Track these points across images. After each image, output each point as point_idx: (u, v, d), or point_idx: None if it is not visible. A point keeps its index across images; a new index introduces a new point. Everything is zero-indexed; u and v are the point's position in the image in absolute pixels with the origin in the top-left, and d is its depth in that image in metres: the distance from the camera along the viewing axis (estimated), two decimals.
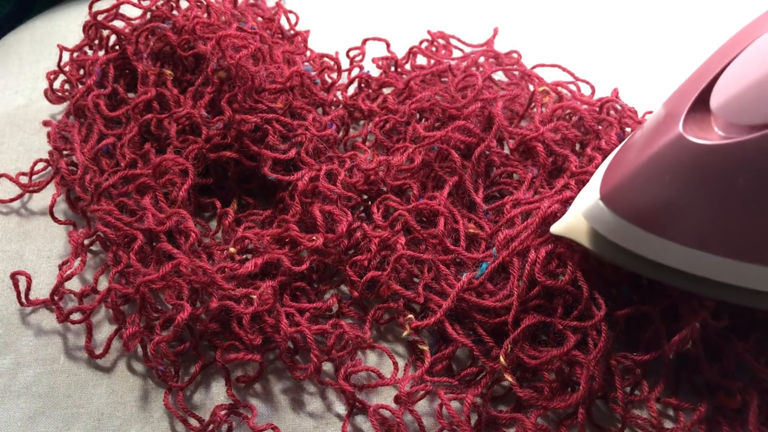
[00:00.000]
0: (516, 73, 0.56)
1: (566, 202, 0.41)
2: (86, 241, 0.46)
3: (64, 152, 0.50)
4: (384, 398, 0.41)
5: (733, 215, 0.34)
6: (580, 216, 0.39)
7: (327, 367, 0.42)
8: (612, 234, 0.38)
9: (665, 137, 0.35)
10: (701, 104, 0.35)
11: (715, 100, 0.34)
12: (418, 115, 0.51)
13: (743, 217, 0.33)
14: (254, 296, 0.40)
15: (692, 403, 0.40)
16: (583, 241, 0.39)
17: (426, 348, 0.42)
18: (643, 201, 0.36)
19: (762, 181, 0.32)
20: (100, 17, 0.52)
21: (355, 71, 0.56)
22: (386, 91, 0.56)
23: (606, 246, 0.38)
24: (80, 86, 0.51)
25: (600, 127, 0.49)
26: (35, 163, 0.50)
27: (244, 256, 0.44)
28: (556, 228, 0.40)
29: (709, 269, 0.36)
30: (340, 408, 0.41)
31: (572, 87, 0.55)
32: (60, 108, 0.55)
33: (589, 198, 0.38)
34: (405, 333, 0.42)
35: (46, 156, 0.51)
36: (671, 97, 0.38)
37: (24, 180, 0.50)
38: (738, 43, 0.35)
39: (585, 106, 0.50)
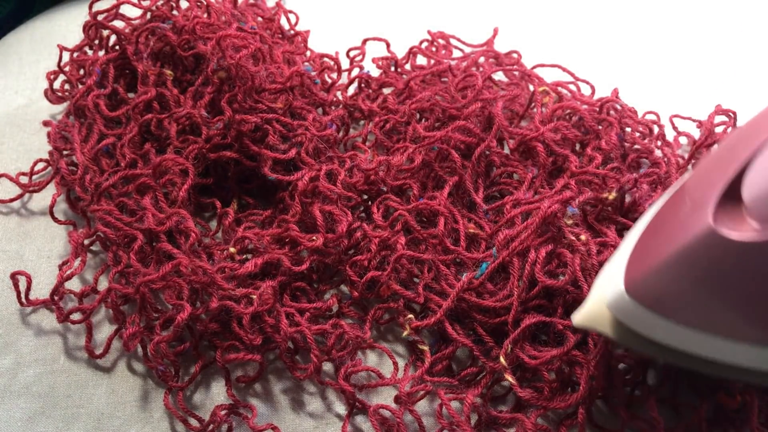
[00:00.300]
0: (516, 73, 0.56)
1: (566, 202, 0.41)
2: (86, 241, 0.46)
3: (64, 152, 0.50)
4: (384, 398, 0.41)
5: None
6: (603, 306, 0.37)
7: (327, 367, 0.42)
8: (640, 326, 0.35)
9: (695, 229, 0.32)
10: (732, 194, 0.32)
11: (748, 193, 0.31)
12: (418, 115, 0.51)
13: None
14: (254, 296, 0.40)
15: (692, 404, 0.40)
16: (608, 331, 0.37)
17: (426, 348, 0.42)
18: (673, 294, 0.34)
19: None
20: (100, 17, 0.52)
21: (355, 71, 0.56)
22: (386, 91, 0.56)
23: (633, 337, 0.36)
24: (80, 86, 0.51)
25: (600, 127, 0.49)
26: (35, 163, 0.50)
27: (244, 256, 0.44)
28: (578, 319, 0.38)
29: (746, 358, 0.34)
30: (340, 408, 0.41)
31: (572, 87, 0.55)
32: (60, 108, 0.55)
33: (612, 288, 0.36)
34: (405, 333, 0.42)
35: (46, 156, 0.51)
36: (695, 182, 0.36)
37: (24, 180, 0.50)
38: (765, 124, 0.33)
39: (585, 106, 0.50)
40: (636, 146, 0.50)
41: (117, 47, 0.52)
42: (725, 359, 0.34)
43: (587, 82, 0.55)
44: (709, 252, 0.32)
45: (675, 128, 0.53)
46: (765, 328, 0.32)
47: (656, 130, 0.52)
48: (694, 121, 0.53)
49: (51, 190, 0.49)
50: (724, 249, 0.31)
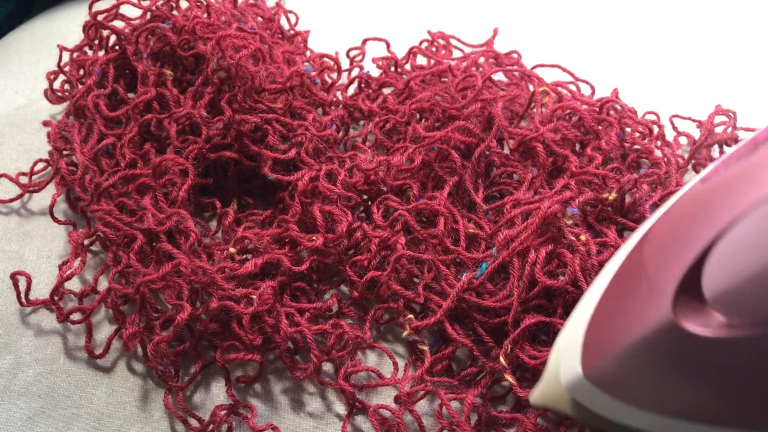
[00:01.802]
0: (516, 73, 0.56)
1: (566, 203, 0.41)
2: (86, 241, 0.46)
3: (64, 152, 0.50)
4: (384, 398, 0.41)
5: (741, 396, 0.30)
6: (561, 387, 0.35)
7: (327, 367, 0.42)
8: (600, 409, 0.34)
9: (654, 319, 0.30)
10: (691, 283, 0.30)
11: (709, 287, 0.29)
12: (418, 116, 0.51)
13: (753, 396, 0.29)
14: (254, 296, 0.40)
15: None
16: (567, 410, 0.36)
17: (426, 348, 0.42)
18: (634, 382, 0.32)
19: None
20: (100, 17, 0.52)
21: (355, 71, 0.56)
22: (386, 91, 0.56)
23: (595, 416, 0.35)
24: (80, 86, 0.51)
25: (600, 128, 0.49)
26: (35, 163, 0.50)
27: (244, 256, 0.44)
28: (534, 398, 0.37)
29: None
30: (340, 408, 0.41)
31: (572, 87, 0.55)
32: (60, 108, 0.55)
33: (570, 370, 0.35)
34: (405, 333, 0.42)
35: (46, 156, 0.51)
36: (652, 255, 0.33)
37: (24, 180, 0.50)
38: (726, 205, 0.30)
39: (585, 106, 0.50)
40: (636, 146, 0.50)
41: (117, 47, 0.52)
42: None
43: (587, 82, 0.55)
44: (671, 345, 0.30)
45: (675, 128, 0.53)
46: (732, 413, 0.31)
47: (656, 130, 0.52)
48: (694, 121, 0.53)
49: (51, 190, 0.49)
50: (686, 342, 0.29)
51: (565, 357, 0.35)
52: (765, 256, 0.27)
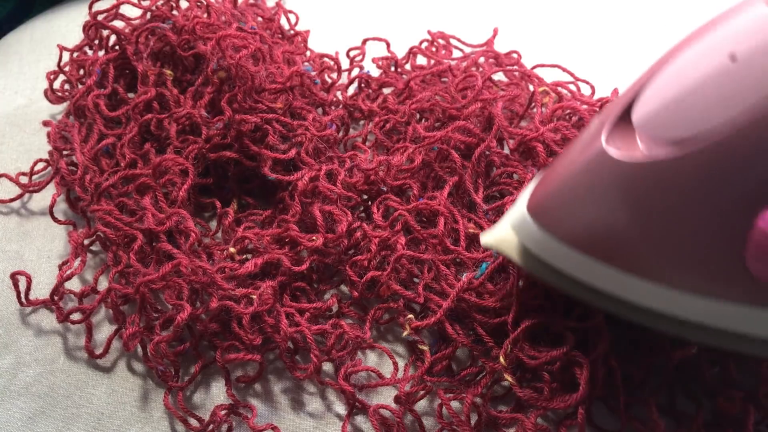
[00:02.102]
0: (516, 73, 0.56)
1: None
2: (86, 241, 0.46)
3: (64, 152, 0.50)
4: (384, 398, 0.41)
5: (656, 235, 0.32)
6: (509, 228, 0.37)
7: (327, 367, 0.42)
8: (539, 250, 0.36)
9: (588, 151, 0.34)
10: (626, 119, 0.33)
11: (636, 114, 0.33)
12: (418, 116, 0.51)
13: (666, 238, 0.32)
14: (254, 296, 0.40)
15: (692, 406, 0.40)
16: (513, 255, 0.37)
17: (426, 348, 0.42)
18: (567, 216, 0.35)
19: (684, 200, 0.30)
20: (100, 17, 0.52)
21: (355, 71, 0.56)
22: (386, 91, 0.56)
23: (535, 263, 0.37)
24: (80, 86, 0.51)
25: None
26: (35, 163, 0.50)
27: (244, 256, 0.44)
28: (485, 239, 0.38)
29: (639, 294, 0.34)
30: (340, 408, 0.41)
31: (572, 87, 0.55)
32: (60, 108, 0.55)
33: (517, 209, 0.37)
34: (405, 333, 0.42)
35: (46, 156, 0.51)
36: (602, 111, 0.36)
37: (24, 180, 0.50)
38: (664, 60, 0.34)
39: (585, 106, 0.50)
40: None
41: (117, 47, 0.52)
42: (626, 296, 0.34)
43: (587, 82, 0.55)
44: (600, 173, 0.33)
45: None
46: (653, 261, 0.33)
47: None
48: None
49: (51, 190, 0.49)
50: (611, 170, 0.32)
51: (518, 202, 0.38)
52: (682, 83, 0.31)
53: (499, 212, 0.45)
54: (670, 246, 0.32)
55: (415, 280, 0.44)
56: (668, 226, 0.31)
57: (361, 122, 0.54)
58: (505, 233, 0.38)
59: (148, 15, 0.51)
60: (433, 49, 0.59)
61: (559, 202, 0.35)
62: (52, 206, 0.47)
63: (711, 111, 0.30)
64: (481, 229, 0.44)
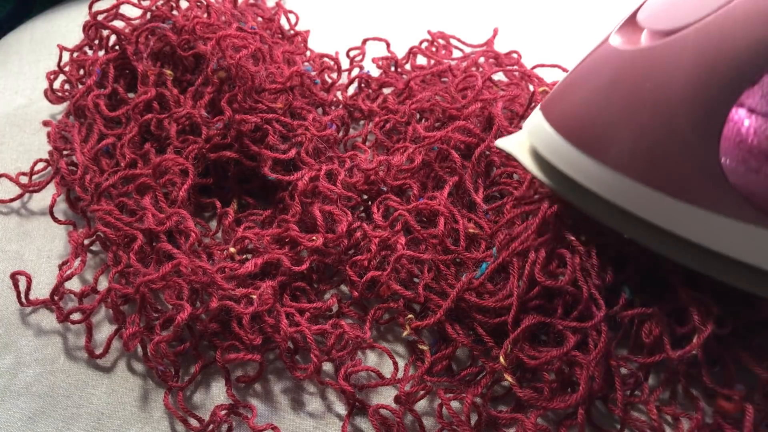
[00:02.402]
0: (516, 73, 0.56)
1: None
2: (86, 241, 0.46)
3: (64, 152, 0.50)
4: (384, 398, 0.41)
5: (643, 127, 0.35)
6: (524, 132, 0.40)
7: (327, 367, 0.42)
8: (548, 151, 0.39)
9: (597, 49, 0.37)
10: (632, 21, 0.37)
11: (641, 14, 0.36)
12: (418, 115, 0.51)
13: (652, 130, 0.34)
14: (254, 296, 0.40)
15: (692, 406, 0.40)
16: (524, 159, 0.40)
17: (426, 348, 0.42)
18: (571, 111, 0.37)
19: (670, 84, 0.33)
20: (100, 17, 0.52)
21: (355, 71, 0.56)
22: (386, 91, 0.56)
23: (545, 167, 0.39)
24: (80, 86, 0.51)
25: None
26: (35, 163, 0.50)
27: (244, 256, 0.44)
28: (499, 141, 0.41)
29: (632, 200, 0.36)
30: (340, 408, 0.41)
31: None
32: (60, 108, 0.55)
33: (533, 115, 0.40)
34: (405, 333, 0.42)
35: (46, 156, 0.51)
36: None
37: (24, 180, 0.50)
38: None
39: None
40: None
41: (117, 47, 0.52)
42: (622, 203, 0.36)
43: None
44: (601, 64, 0.37)
45: None
46: (639, 158, 0.35)
47: None
48: None
49: (51, 190, 0.49)
50: (613, 59, 0.36)
51: (535, 110, 0.40)
52: None
53: (499, 212, 0.45)
54: (654, 139, 0.34)
55: (415, 280, 0.44)
56: (655, 116, 0.34)
57: (361, 122, 0.54)
58: (519, 138, 0.41)
59: (148, 15, 0.51)
60: (433, 49, 0.59)
61: (566, 97, 0.38)
62: (52, 206, 0.47)
63: (699, 6, 0.33)
64: (481, 229, 0.44)
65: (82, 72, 0.53)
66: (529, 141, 0.40)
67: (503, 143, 0.41)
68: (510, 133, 0.47)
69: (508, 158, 0.47)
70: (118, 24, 0.52)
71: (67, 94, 0.54)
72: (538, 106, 0.40)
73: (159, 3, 0.52)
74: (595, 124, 0.36)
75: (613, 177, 0.36)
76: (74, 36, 0.58)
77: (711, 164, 0.33)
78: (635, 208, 0.36)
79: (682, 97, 0.33)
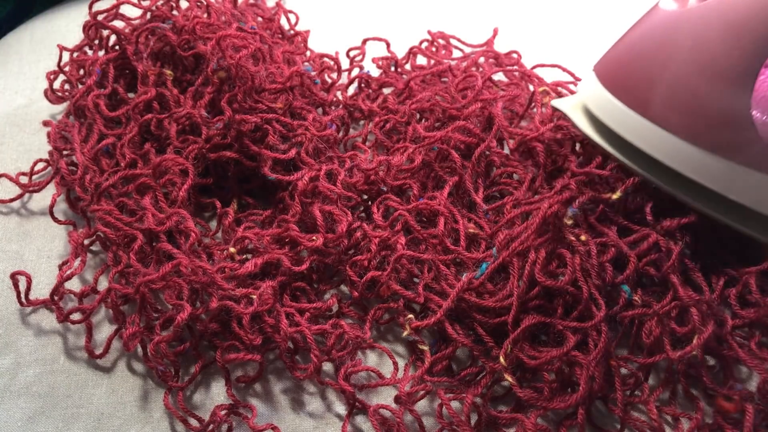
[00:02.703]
0: (516, 73, 0.56)
1: (567, 203, 0.41)
2: (86, 241, 0.46)
3: (64, 152, 0.50)
4: (384, 398, 0.41)
5: (685, 85, 0.38)
6: (577, 94, 0.43)
7: (327, 367, 0.42)
8: (597, 108, 0.42)
9: (648, 13, 0.41)
10: None
11: None
12: (418, 116, 0.51)
13: (692, 88, 0.38)
14: (254, 296, 0.40)
15: (692, 406, 0.40)
16: (576, 118, 0.43)
17: (426, 348, 0.42)
18: (621, 71, 0.41)
19: (704, 46, 0.37)
20: (100, 17, 0.52)
21: (355, 71, 0.56)
22: (386, 91, 0.56)
23: (595, 125, 0.42)
24: (80, 86, 0.51)
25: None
26: (35, 163, 0.50)
27: (244, 256, 0.44)
28: (555, 102, 0.44)
29: (673, 155, 0.39)
30: (340, 408, 0.41)
31: (572, 87, 0.55)
32: (60, 108, 0.55)
33: (587, 77, 0.43)
34: (405, 333, 0.42)
35: (46, 156, 0.51)
36: None
37: (24, 180, 0.50)
38: None
39: None
40: None
41: (117, 47, 0.52)
42: (661, 158, 0.39)
43: None
44: (648, 24, 0.40)
45: None
46: (674, 106, 0.38)
47: None
48: None
49: (51, 190, 0.49)
50: (655, 19, 0.40)
51: (589, 72, 0.44)
52: None
53: (499, 212, 0.45)
54: (693, 94, 0.37)
55: (415, 280, 0.44)
56: (695, 71, 0.37)
57: (361, 122, 0.54)
58: (574, 101, 0.44)
59: (148, 15, 0.51)
60: (433, 49, 0.59)
61: (615, 58, 0.41)
62: (52, 206, 0.47)
63: None
64: (481, 229, 0.44)
65: (82, 72, 0.53)
66: (581, 101, 0.43)
67: (558, 103, 0.44)
68: (510, 133, 0.47)
69: (508, 159, 0.47)
70: (118, 24, 0.52)
71: (67, 94, 0.54)
72: (592, 68, 0.43)
73: (159, 3, 0.52)
74: (643, 82, 0.39)
75: (657, 132, 0.39)
76: (74, 36, 0.58)
77: (743, 117, 0.36)
78: (677, 164, 0.39)
79: (719, 53, 0.36)
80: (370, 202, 0.47)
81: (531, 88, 0.55)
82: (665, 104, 0.39)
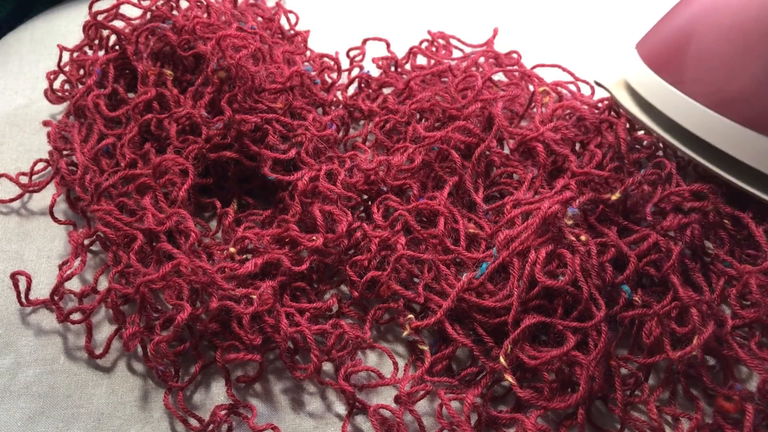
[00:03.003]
0: (516, 73, 0.56)
1: (567, 203, 0.41)
2: (86, 241, 0.46)
3: (64, 152, 0.50)
4: (384, 398, 0.41)
5: (726, 62, 0.39)
6: (620, 73, 0.45)
7: (327, 367, 0.42)
8: (639, 84, 0.43)
9: None
10: None
11: None
12: (418, 116, 0.51)
13: (733, 65, 0.39)
14: (254, 296, 0.40)
15: (692, 406, 0.40)
16: (618, 94, 0.44)
17: (426, 348, 0.42)
18: (661, 48, 0.42)
19: (736, 28, 0.38)
20: (100, 17, 0.52)
21: (355, 71, 0.56)
22: (386, 91, 0.56)
23: (635, 101, 0.44)
24: (80, 86, 0.51)
25: (602, 126, 0.49)
26: (35, 163, 0.50)
27: (244, 256, 0.44)
28: (597, 78, 0.46)
29: (711, 131, 0.40)
30: (340, 408, 0.41)
31: (572, 87, 0.55)
32: (60, 108, 0.55)
33: (628, 54, 0.44)
34: (405, 333, 0.42)
35: (46, 156, 0.51)
36: None
37: (24, 180, 0.50)
38: None
39: (585, 106, 0.50)
40: (644, 143, 0.50)
41: (117, 47, 0.52)
42: (700, 133, 0.40)
43: (587, 82, 0.55)
44: (692, 4, 0.41)
45: None
46: (721, 92, 0.39)
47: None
48: None
49: (51, 190, 0.49)
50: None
51: (631, 50, 0.45)
52: None
53: (499, 212, 0.45)
54: (731, 70, 0.39)
55: (415, 280, 0.44)
56: (736, 48, 0.38)
57: (361, 122, 0.54)
58: (615, 76, 0.45)
59: (148, 15, 0.51)
60: (433, 49, 0.59)
61: (658, 34, 0.43)
62: (52, 206, 0.47)
63: None
64: (481, 229, 0.44)
65: (82, 72, 0.53)
66: (622, 78, 0.45)
67: (600, 79, 0.46)
68: (510, 133, 0.47)
69: (508, 159, 0.47)
70: (118, 24, 0.52)
71: (67, 94, 0.54)
72: (634, 45, 0.44)
73: (159, 3, 0.52)
74: (684, 60, 0.40)
75: (698, 109, 0.40)
76: (74, 36, 0.58)
77: None
78: (717, 140, 0.40)
79: (758, 32, 0.38)
80: (370, 202, 0.47)
81: (531, 88, 0.55)
82: (706, 81, 0.40)
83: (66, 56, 0.54)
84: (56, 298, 0.43)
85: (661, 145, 0.51)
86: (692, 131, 0.41)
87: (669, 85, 0.41)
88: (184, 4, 0.53)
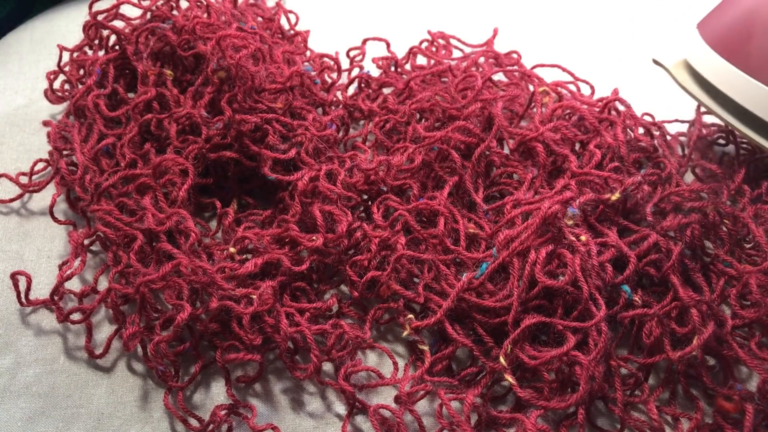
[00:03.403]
0: (516, 73, 0.56)
1: (567, 203, 0.41)
2: (86, 241, 0.46)
3: (64, 152, 0.50)
4: (384, 398, 0.41)
5: None
6: (680, 53, 0.45)
7: (327, 367, 0.42)
8: (699, 64, 0.43)
9: None
10: None
11: None
12: (418, 116, 0.51)
13: None
14: (254, 296, 0.40)
15: (692, 406, 0.40)
16: (678, 74, 0.45)
17: (426, 348, 0.42)
18: (724, 28, 0.42)
19: None
20: (100, 17, 0.52)
21: (355, 71, 0.56)
22: (386, 91, 0.56)
23: (693, 79, 0.44)
24: (80, 86, 0.51)
25: (601, 126, 0.49)
26: (35, 163, 0.50)
27: (244, 256, 0.44)
28: (656, 56, 0.46)
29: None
30: (340, 408, 0.41)
31: (572, 87, 0.55)
32: (60, 108, 0.55)
33: (689, 34, 0.44)
34: (405, 333, 0.42)
35: (46, 156, 0.51)
36: None
37: (24, 180, 0.50)
38: None
39: (585, 106, 0.50)
40: (641, 144, 0.50)
41: (117, 47, 0.52)
42: (757, 111, 0.41)
43: (587, 82, 0.55)
44: None
45: (667, 132, 0.53)
46: None
47: (656, 131, 0.52)
48: (684, 122, 0.53)
49: (51, 190, 0.49)
50: None
51: (692, 29, 0.46)
52: None
53: (499, 212, 0.45)
54: None
55: (415, 280, 0.44)
56: None
57: (361, 122, 0.54)
58: (675, 57, 0.46)
59: (148, 15, 0.51)
60: (433, 49, 0.59)
61: (720, 16, 0.43)
62: (52, 206, 0.47)
63: None
64: (481, 229, 0.44)
65: (82, 72, 0.53)
66: (682, 58, 0.45)
67: (659, 58, 0.46)
68: (510, 133, 0.47)
69: (508, 159, 0.47)
70: (118, 24, 0.52)
71: (67, 94, 0.54)
72: (695, 25, 0.45)
73: (159, 3, 0.52)
74: (746, 40, 0.40)
75: (760, 89, 0.40)
76: (74, 36, 0.58)
77: None
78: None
79: None
80: (370, 202, 0.47)
81: (531, 88, 0.55)
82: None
83: (66, 56, 0.54)
84: (56, 298, 0.43)
85: (661, 145, 0.51)
86: (758, 115, 0.41)
87: (735, 67, 0.41)
88: (184, 4, 0.53)
